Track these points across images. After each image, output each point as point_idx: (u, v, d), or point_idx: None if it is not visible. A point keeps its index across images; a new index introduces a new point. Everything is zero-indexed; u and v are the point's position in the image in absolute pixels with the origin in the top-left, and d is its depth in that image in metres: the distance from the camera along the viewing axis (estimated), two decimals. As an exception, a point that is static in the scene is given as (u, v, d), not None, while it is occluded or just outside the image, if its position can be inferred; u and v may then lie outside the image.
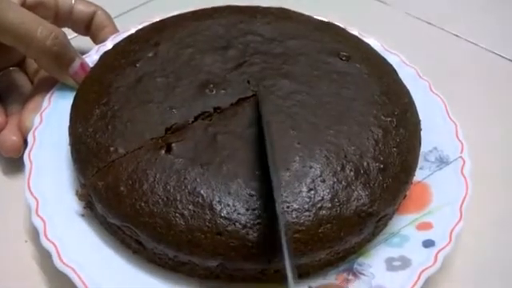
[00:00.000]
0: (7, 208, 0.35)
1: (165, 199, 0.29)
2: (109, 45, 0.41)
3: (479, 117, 0.44)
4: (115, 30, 0.43)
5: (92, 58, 0.40)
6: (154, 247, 0.29)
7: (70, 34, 0.41)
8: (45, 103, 0.37)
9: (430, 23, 0.56)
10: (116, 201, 0.29)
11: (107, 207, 0.29)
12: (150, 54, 0.36)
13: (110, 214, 0.29)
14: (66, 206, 0.32)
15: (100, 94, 0.34)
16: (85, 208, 0.32)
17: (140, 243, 0.29)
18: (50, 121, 0.36)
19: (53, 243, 0.29)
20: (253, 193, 0.29)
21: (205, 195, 0.29)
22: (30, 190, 0.31)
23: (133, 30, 0.41)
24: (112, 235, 0.31)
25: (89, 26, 0.43)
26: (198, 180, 0.29)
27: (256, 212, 0.28)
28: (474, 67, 0.50)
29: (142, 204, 0.29)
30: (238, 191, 0.29)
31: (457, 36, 0.54)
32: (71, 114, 0.34)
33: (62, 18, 0.42)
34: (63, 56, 0.36)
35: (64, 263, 0.28)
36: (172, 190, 0.29)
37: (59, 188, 0.32)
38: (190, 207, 0.28)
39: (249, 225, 0.28)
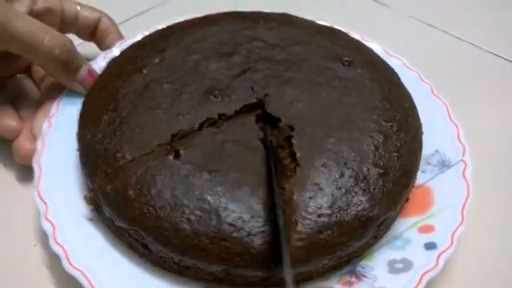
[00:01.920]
0: (17, 212, 0.36)
1: (172, 204, 0.29)
2: (115, 51, 0.42)
3: (481, 118, 0.44)
4: (120, 36, 0.44)
5: (99, 64, 0.41)
6: (159, 251, 0.29)
7: (76, 40, 0.42)
8: (53, 109, 0.38)
9: (432, 26, 0.56)
10: (124, 204, 0.30)
11: (115, 210, 0.30)
12: (157, 61, 0.37)
13: (118, 218, 0.30)
14: (74, 210, 0.32)
15: (108, 100, 0.35)
16: (93, 211, 0.32)
17: (146, 247, 0.30)
18: (59, 126, 0.36)
19: (62, 247, 0.30)
20: (258, 201, 0.29)
21: (211, 201, 0.29)
22: (39, 195, 0.32)
23: (139, 37, 0.42)
24: (119, 239, 0.31)
25: (94, 32, 0.44)
26: (205, 186, 0.30)
27: (261, 220, 0.29)
28: (475, 69, 0.51)
29: (150, 208, 0.29)
30: (244, 199, 0.29)
31: (459, 38, 0.54)
32: (79, 120, 0.35)
33: (67, 25, 0.42)
34: (71, 63, 0.37)
35: (73, 266, 0.29)
36: (180, 196, 0.29)
37: (68, 192, 0.33)
38: (197, 212, 0.29)
39: (253, 232, 0.28)
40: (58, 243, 0.30)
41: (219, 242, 0.28)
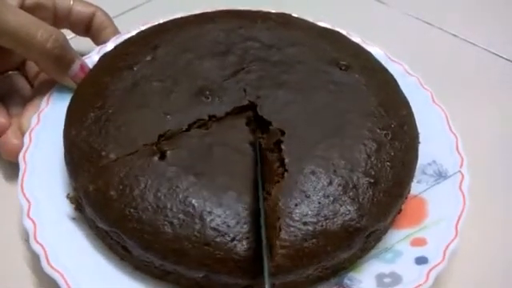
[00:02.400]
0: (3, 210, 0.35)
1: (154, 206, 0.28)
2: (110, 46, 0.41)
3: (477, 117, 0.43)
4: (116, 31, 0.43)
5: (93, 59, 0.40)
6: (140, 254, 0.29)
7: (69, 34, 0.41)
8: (43, 104, 0.37)
9: (428, 23, 0.55)
10: (105, 205, 0.29)
11: (96, 211, 0.29)
12: (148, 58, 0.36)
13: (99, 219, 0.29)
14: (57, 209, 0.32)
15: (96, 96, 0.34)
16: (75, 210, 0.32)
17: (127, 249, 0.29)
18: (48, 122, 0.36)
19: (42, 246, 0.29)
20: (244, 206, 0.29)
21: (196, 205, 0.28)
22: (22, 192, 0.31)
23: (134, 32, 0.41)
24: (101, 240, 0.31)
25: (88, 27, 0.43)
26: (190, 189, 0.29)
27: (246, 226, 0.28)
28: (473, 68, 0.50)
29: (131, 210, 0.28)
30: (229, 203, 0.29)
31: (455, 36, 0.53)
32: (66, 116, 0.34)
33: (60, 19, 0.42)
34: (64, 58, 0.36)
35: (52, 267, 0.28)
36: (163, 198, 0.29)
37: (52, 190, 0.32)
38: (180, 216, 0.28)
39: (237, 238, 0.27)
40: (38, 242, 0.29)
41: (201, 247, 0.27)
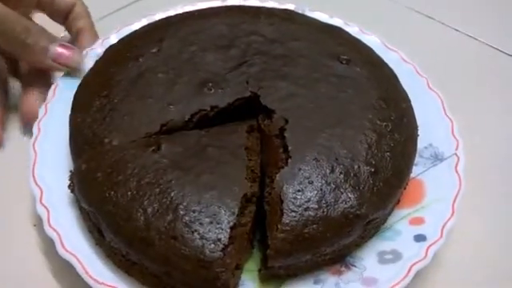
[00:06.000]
0: (16, 196, 0.36)
1: (134, 193, 0.29)
2: (113, 38, 0.42)
3: (477, 112, 0.44)
4: (91, 23, 0.44)
5: (96, 51, 0.41)
6: (111, 239, 0.29)
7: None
8: (50, 94, 0.38)
9: (430, 17, 0.56)
10: (90, 185, 0.30)
11: (81, 189, 0.30)
12: (154, 50, 0.37)
13: (82, 197, 0.30)
14: (68, 194, 0.32)
15: (101, 86, 0.35)
16: (71, 192, 0.32)
17: (102, 233, 0.30)
18: (55, 112, 0.37)
19: (56, 231, 0.30)
20: (223, 208, 0.28)
21: (174, 197, 0.28)
22: (34, 180, 0.32)
23: (137, 25, 0.42)
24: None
25: (67, 17, 0.44)
26: (172, 182, 0.29)
27: (220, 227, 0.28)
28: (473, 62, 0.51)
29: (112, 193, 0.29)
30: (208, 203, 0.28)
31: (457, 30, 0.54)
32: (72, 103, 0.35)
33: (42, 6, 0.43)
34: (36, 45, 0.37)
35: (67, 251, 0.29)
36: (144, 186, 0.29)
37: (62, 177, 0.33)
38: (155, 205, 0.28)
39: (207, 237, 0.27)
40: (52, 227, 0.30)
41: (168, 240, 0.27)
